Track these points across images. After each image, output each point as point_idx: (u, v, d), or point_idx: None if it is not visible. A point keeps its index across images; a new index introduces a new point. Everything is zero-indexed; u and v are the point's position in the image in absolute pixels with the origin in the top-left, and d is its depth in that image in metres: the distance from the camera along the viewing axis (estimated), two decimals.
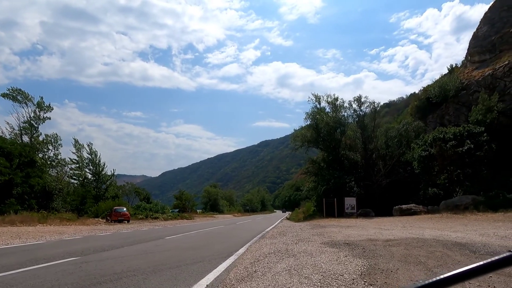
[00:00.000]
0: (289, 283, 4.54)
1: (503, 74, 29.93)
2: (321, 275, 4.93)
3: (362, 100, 34.04)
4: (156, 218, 33.99)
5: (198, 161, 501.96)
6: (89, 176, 43.06)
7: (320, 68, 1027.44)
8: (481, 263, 0.73)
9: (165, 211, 40.59)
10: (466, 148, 23.97)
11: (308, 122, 34.89)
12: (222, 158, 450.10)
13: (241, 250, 8.27)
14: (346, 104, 34.74)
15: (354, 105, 34.28)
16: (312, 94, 35.66)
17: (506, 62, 30.14)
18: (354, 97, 34.39)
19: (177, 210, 52.07)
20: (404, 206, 25.66)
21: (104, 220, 29.50)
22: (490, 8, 38.05)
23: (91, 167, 42.98)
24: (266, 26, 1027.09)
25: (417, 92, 67.50)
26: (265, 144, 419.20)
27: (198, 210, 67.36)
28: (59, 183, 35.26)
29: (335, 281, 4.57)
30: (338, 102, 34.88)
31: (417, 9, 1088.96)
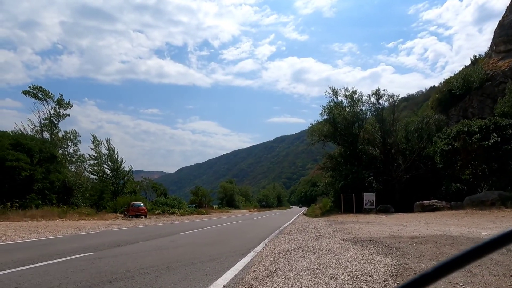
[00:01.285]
0: (313, 284, 4.15)
1: None
2: (348, 275, 4.52)
3: (381, 93, 33.01)
4: (173, 213, 34.14)
5: (214, 157, 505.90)
6: (108, 171, 43.72)
7: (336, 63, 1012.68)
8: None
9: (181, 206, 40.78)
10: (492, 141, 22.85)
11: (325, 117, 34.14)
12: (237, 154, 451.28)
13: (259, 247, 7.89)
14: (364, 98, 33.77)
15: (372, 99, 33.30)
16: (329, 87, 34.82)
17: None
18: (372, 91, 33.40)
19: (194, 205, 52.36)
20: (425, 202, 24.79)
21: (122, 215, 29.81)
22: None
23: (110, 163, 43.60)
24: (281, 21, 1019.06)
25: (436, 85, 65.47)
26: (280, 140, 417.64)
27: (214, 206, 67.64)
28: (79, 179, 35.91)
29: (364, 283, 4.15)
30: (355, 96, 33.97)
31: None
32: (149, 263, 5.75)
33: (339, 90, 34.57)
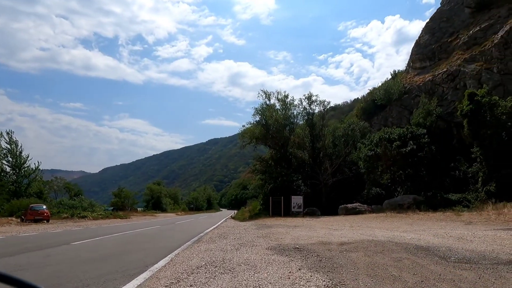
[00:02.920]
0: None
1: (442, 80, 31.34)
2: None
3: (313, 98, 33.63)
4: (84, 217, 30.06)
5: (143, 157, 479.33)
6: (7, 169, 37.20)
7: (271, 69, 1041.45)
8: None
9: (95, 209, 36.47)
10: (409, 148, 24.34)
11: (257, 118, 33.63)
12: (168, 155, 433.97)
13: (162, 262, 6.17)
14: (296, 102, 34.11)
15: (304, 103, 33.79)
16: (262, 90, 34.55)
17: (445, 70, 31.60)
18: (305, 95, 33.93)
19: (112, 208, 47.66)
20: (349, 206, 25.50)
21: (18, 220, 25.17)
22: (431, 18, 40.05)
23: (10, 159, 37.16)
24: (219, 23, 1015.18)
25: (360, 97, 70.26)
26: (214, 142, 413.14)
27: (139, 209, 62.93)
28: None
29: None
30: (288, 100, 34.11)
31: (363, 19, 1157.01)
32: None
33: (272, 93, 34.56)
